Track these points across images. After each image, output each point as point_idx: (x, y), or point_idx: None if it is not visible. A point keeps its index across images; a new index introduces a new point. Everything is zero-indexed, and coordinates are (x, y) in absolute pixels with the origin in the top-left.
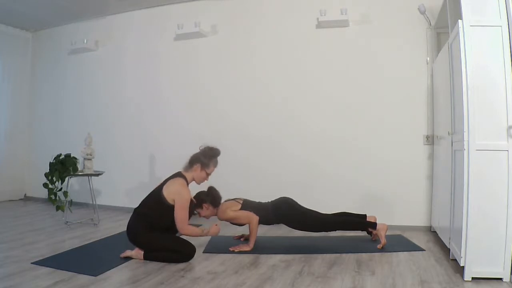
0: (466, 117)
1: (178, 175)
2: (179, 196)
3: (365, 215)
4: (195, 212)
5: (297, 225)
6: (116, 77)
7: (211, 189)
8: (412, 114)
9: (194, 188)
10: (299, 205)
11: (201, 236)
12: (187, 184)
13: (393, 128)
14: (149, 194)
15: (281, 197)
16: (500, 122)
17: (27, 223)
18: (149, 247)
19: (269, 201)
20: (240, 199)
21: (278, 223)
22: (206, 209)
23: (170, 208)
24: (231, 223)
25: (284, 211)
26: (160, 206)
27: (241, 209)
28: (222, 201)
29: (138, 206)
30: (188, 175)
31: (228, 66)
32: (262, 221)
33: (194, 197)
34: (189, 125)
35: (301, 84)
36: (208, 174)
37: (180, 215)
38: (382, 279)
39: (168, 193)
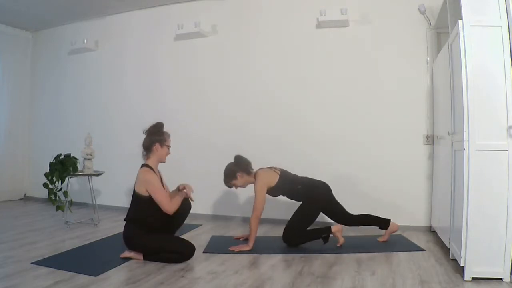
0: (466, 117)
1: (141, 166)
2: (146, 182)
3: (389, 220)
4: (227, 185)
5: (327, 212)
6: (116, 77)
7: (238, 158)
8: (412, 114)
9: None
10: (334, 197)
11: (184, 197)
12: (153, 169)
13: (393, 128)
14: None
15: (321, 181)
16: (500, 122)
17: (27, 223)
18: (149, 251)
19: (308, 177)
20: (277, 169)
21: (301, 201)
22: (241, 178)
23: (148, 199)
24: None
25: (318, 195)
26: (140, 203)
27: (279, 181)
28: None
29: (126, 216)
30: (151, 161)
31: (228, 66)
32: (287, 195)
33: (225, 171)
34: (189, 125)
35: (301, 83)
36: (168, 147)
37: (159, 197)
38: (382, 279)
39: (139, 187)
